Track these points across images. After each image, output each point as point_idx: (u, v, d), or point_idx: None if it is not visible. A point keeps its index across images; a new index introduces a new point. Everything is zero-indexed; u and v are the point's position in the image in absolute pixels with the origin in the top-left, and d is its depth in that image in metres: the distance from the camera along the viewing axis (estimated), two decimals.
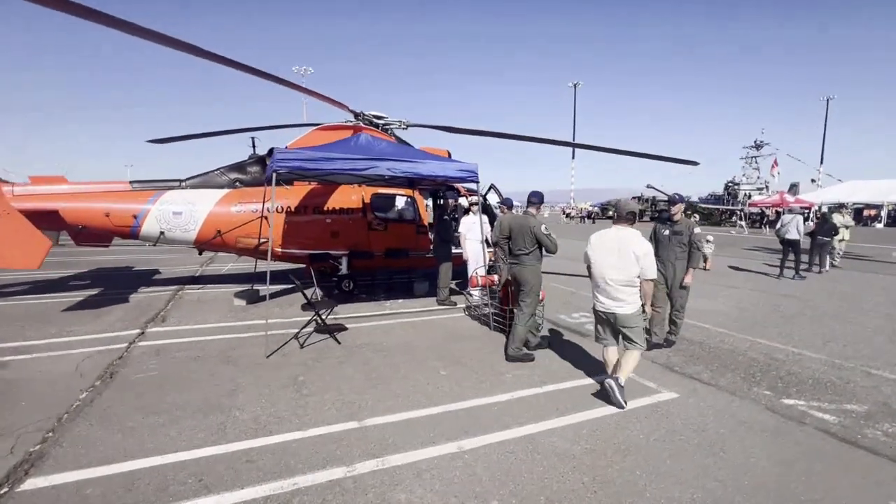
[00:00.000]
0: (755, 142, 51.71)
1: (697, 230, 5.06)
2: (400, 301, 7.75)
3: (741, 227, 34.81)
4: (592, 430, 3.41)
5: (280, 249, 8.07)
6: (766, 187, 47.14)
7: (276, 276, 9.52)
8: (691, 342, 5.66)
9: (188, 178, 7.92)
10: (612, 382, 3.80)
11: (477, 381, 4.30)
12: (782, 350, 5.39)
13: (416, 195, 8.90)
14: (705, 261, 12.40)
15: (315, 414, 3.57)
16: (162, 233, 7.44)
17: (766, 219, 37.34)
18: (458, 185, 10.20)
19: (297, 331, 5.51)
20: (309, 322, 5.45)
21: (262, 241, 7.89)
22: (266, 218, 7.82)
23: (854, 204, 35.15)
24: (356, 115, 8.72)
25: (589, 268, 4.04)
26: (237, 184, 8.03)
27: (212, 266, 11.88)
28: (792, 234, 10.60)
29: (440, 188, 10.06)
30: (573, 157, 57.64)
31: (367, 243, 8.40)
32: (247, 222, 7.61)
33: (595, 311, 4.07)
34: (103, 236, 7.77)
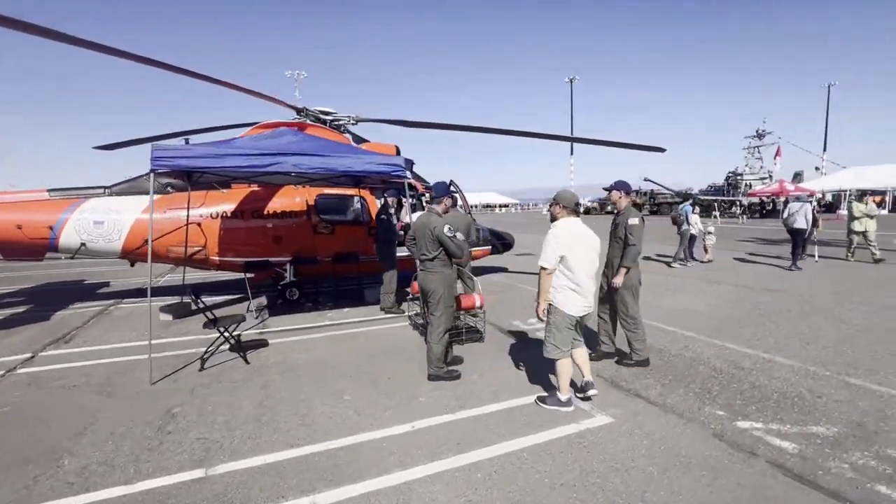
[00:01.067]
0: (757, 131, 50.62)
1: (633, 221, 4.39)
2: (345, 310, 7.14)
3: (715, 217, 33.79)
4: (490, 473, 2.78)
5: (217, 258, 7.51)
6: (770, 177, 46.04)
7: (231, 287, 8.99)
8: (649, 350, 5.00)
9: (114, 185, 7.37)
10: (593, 391, 3.74)
11: (382, 409, 3.68)
12: (751, 357, 4.72)
13: (367, 195, 8.29)
14: (706, 251, 11.73)
15: (159, 460, 2.96)
16: (83, 244, 6.89)
17: (764, 208, 36.41)
18: (419, 184, 9.63)
19: (205, 350, 4.91)
20: (215, 341, 4.84)
21: (195, 249, 7.36)
22: (200, 225, 7.31)
23: (858, 190, 34.22)
24: (298, 112, 8.13)
25: (564, 269, 3.49)
26: (168, 189, 7.45)
27: (170, 276, 11.33)
28: (800, 224, 10.06)
29: (398, 187, 9.48)
30: (571, 153, 56.88)
31: (312, 248, 7.82)
32: (176, 230, 7.03)
33: (568, 319, 3.53)
34: (27, 250, 7.22)
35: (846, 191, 33.13)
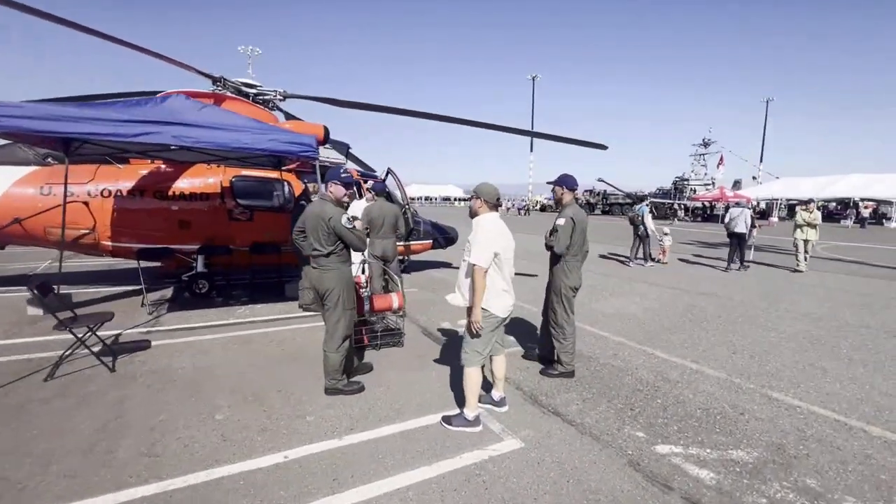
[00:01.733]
0: (703, 140, 53.24)
1: (559, 220, 4.02)
2: (259, 307, 6.40)
3: (677, 219, 35.38)
4: None
5: (109, 243, 6.53)
6: (713, 183, 48.55)
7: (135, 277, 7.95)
8: (579, 357, 4.68)
9: None
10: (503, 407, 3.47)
11: (256, 432, 3.08)
12: (679, 367, 4.50)
13: (293, 179, 7.52)
14: (662, 253, 11.87)
15: None
16: None
17: (706, 213, 38.29)
18: (354, 171, 8.95)
19: (61, 354, 4.07)
20: (74, 344, 4.02)
21: (82, 232, 6.35)
22: (88, 204, 6.32)
23: (789, 200, 36.62)
24: (215, 81, 7.21)
25: (495, 268, 3.12)
26: (49, 160, 6.37)
27: (82, 260, 10.00)
28: (740, 228, 10.63)
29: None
30: (531, 150, 57.46)
31: (226, 236, 6.98)
32: (57, 208, 6.00)
33: (495, 322, 3.17)
34: None
35: (777, 199, 35.39)
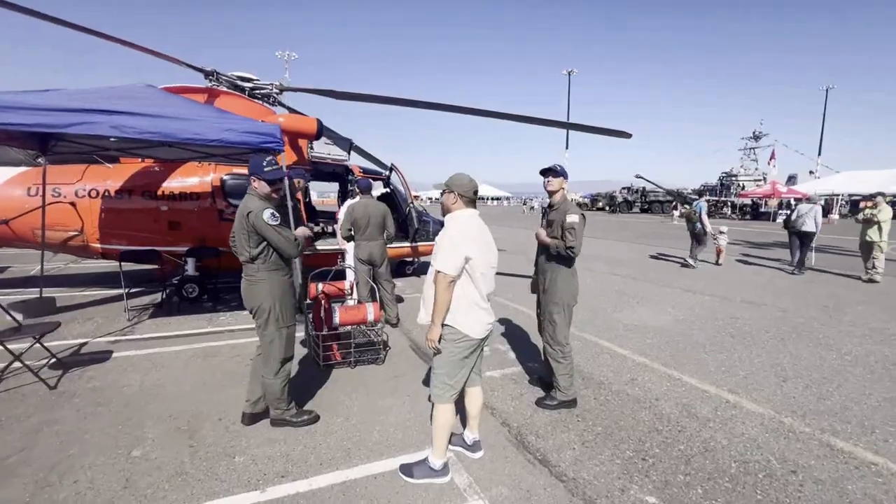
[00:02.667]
0: (754, 133, 49.73)
1: (573, 218, 3.27)
2: (245, 313, 5.95)
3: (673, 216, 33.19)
4: None
5: (98, 245, 6.31)
6: (764, 179, 45.15)
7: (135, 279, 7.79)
8: (587, 382, 3.92)
9: None
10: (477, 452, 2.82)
11: (170, 475, 2.55)
12: (712, 398, 3.65)
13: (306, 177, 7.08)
14: (718, 254, 10.79)
15: None
16: None
17: (756, 210, 35.53)
18: (356, 167, 8.48)
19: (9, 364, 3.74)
20: (12, 361, 3.66)
21: (70, 233, 6.16)
22: (74, 204, 6.11)
23: (851, 196, 33.27)
24: (207, 75, 6.88)
25: (467, 278, 2.48)
26: (39, 160, 6.21)
27: (84, 264, 10.08)
28: (809, 226, 9.39)
29: (338, 169, 8.31)
30: (567, 147, 55.63)
31: (216, 237, 6.61)
32: (43, 210, 5.81)
33: (469, 346, 2.54)
34: None
35: (838, 195, 32.29)
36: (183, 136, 3.67)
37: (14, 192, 5.93)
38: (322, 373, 3.99)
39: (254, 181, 2.87)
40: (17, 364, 3.72)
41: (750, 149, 49.67)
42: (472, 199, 2.62)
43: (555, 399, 3.46)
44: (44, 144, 5.21)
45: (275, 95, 7.56)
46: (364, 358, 4.22)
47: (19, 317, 5.49)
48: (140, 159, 6.46)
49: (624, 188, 49.00)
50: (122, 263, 6.11)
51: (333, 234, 8.67)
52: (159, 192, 6.38)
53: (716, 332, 5.42)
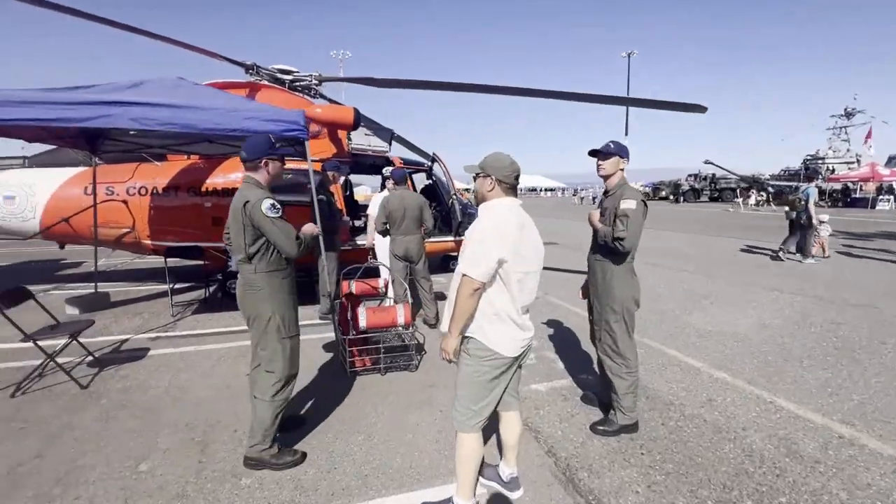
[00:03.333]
0: (845, 109, 44.11)
1: (629, 204, 2.64)
2: None
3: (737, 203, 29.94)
4: None
5: (149, 241, 6.46)
6: (858, 161, 39.90)
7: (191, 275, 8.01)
8: (653, 402, 3.30)
9: (37, 155, 6.46)
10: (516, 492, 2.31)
11: (171, 497, 2.31)
12: (819, 430, 2.90)
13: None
14: (821, 247, 9.48)
15: None
16: None
17: (849, 195, 31.41)
18: (397, 158, 8.15)
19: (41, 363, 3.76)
20: (45, 360, 3.64)
21: (123, 230, 6.34)
22: (126, 202, 6.28)
23: None
24: (248, 69, 6.81)
25: (499, 284, 1.99)
26: (96, 160, 6.45)
27: (145, 259, 10.60)
28: None
29: (378, 161, 8.04)
30: (626, 133, 52.65)
31: None
32: (100, 208, 6.02)
33: (499, 365, 2.05)
34: None
35: None
36: (203, 127, 3.47)
37: (72, 192, 6.18)
38: (348, 381, 3.67)
39: (257, 166, 2.54)
40: (64, 358, 3.75)
41: (840, 128, 44.14)
42: (513, 186, 2.11)
43: (614, 423, 2.89)
44: (92, 144, 5.33)
45: (314, 87, 7.39)
46: (395, 364, 3.86)
47: (75, 311, 5.73)
48: (186, 156, 6.54)
49: (690, 175, 45.42)
50: (169, 259, 6.21)
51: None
52: (203, 189, 6.41)
53: (814, 343, 4.51)
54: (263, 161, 2.52)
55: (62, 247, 7.29)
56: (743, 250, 10.79)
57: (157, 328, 5.12)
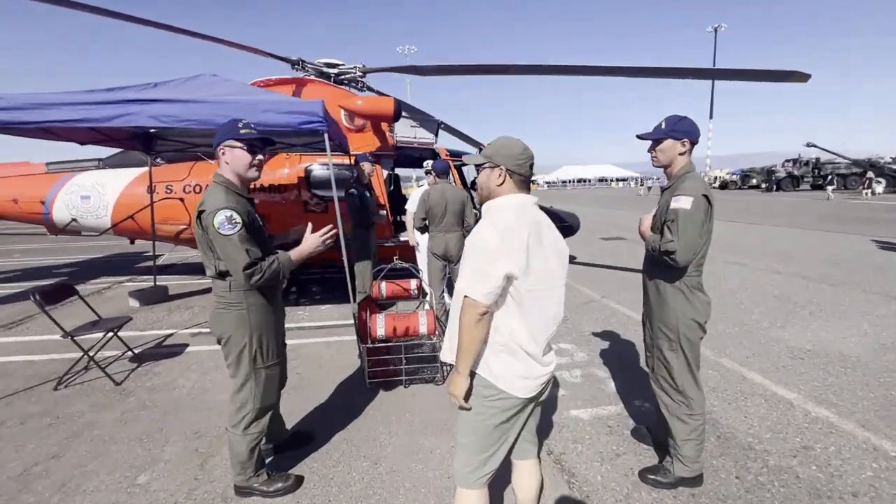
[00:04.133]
0: None
1: (681, 203, 2.02)
2: (324, 308, 5.79)
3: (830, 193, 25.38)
4: None
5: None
6: None
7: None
8: (725, 444, 2.64)
9: (109, 157, 6.93)
10: None
11: None
12: None
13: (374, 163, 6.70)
14: None
15: None
16: (74, 219, 6.57)
17: None
18: (444, 150, 7.78)
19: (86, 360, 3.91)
20: (81, 357, 3.75)
21: (182, 227, 6.63)
22: (182, 200, 6.55)
23: None
24: (293, 65, 6.78)
25: (510, 306, 1.56)
26: (159, 160, 6.79)
27: None
28: None
29: (424, 153, 7.75)
30: (711, 116, 47.94)
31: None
32: (156, 204, 6.33)
33: (509, 407, 1.61)
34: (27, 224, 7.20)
35: None
36: (220, 122, 3.32)
37: (136, 190, 6.55)
38: (367, 393, 3.39)
39: (224, 155, 2.07)
40: (109, 353, 3.90)
41: None
42: (527, 178, 1.65)
43: (670, 474, 2.30)
44: (146, 144, 5.55)
45: (359, 78, 7.22)
46: (419, 376, 3.51)
47: (136, 304, 6.07)
48: None
49: (788, 160, 40.21)
50: None
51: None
52: (251, 185, 6.52)
53: None
54: (220, 149, 2.08)
55: (132, 242, 7.85)
56: (858, 248, 9.08)
57: (201, 323, 5.23)
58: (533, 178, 1.74)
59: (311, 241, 2.26)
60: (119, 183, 6.57)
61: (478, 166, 1.69)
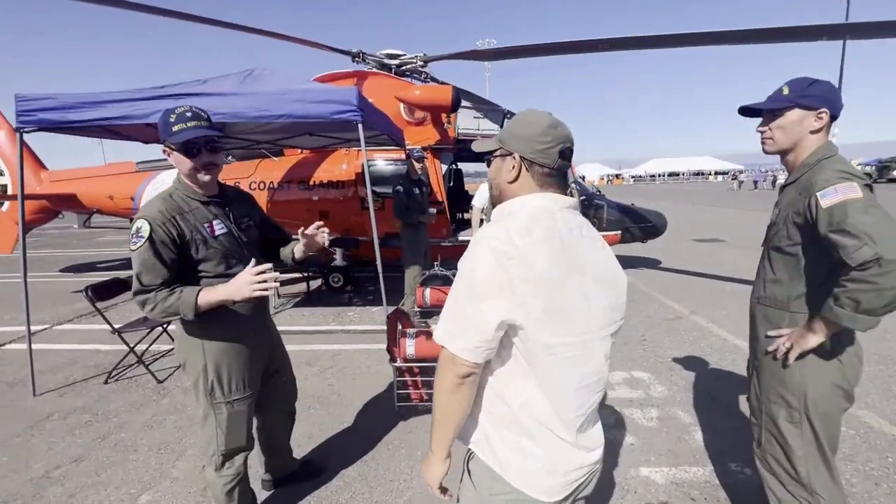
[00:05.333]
0: None
1: (843, 193, 1.24)
2: (374, 310, 5.54)
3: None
4: None
5: None
6: None
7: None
8: None
9: None
10: None
11: None
12: None
13: (430, 157, 6.33)
14: None
15: None
16: None
17: None
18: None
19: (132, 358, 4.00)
20: (127, 354, 3.79)
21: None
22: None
23: None
24: (354, 58, 6.60)
25: (520, 362, 1.02)
26: (229, 158, 7.03)
27: None
28: None
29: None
30: (839, 87, 40.80)
31: (359, 226, 6.43)
32: None
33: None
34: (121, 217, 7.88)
35: None
36: (251, 115, 3.15)
37: None
38: (394, 418, 2.99)
39: (168, 154, 1.69)
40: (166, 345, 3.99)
41: None
42: (557, 170, 1.07)
43: None
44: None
45: (420, 69, 6.87)
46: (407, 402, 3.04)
47: None
48: (300, 150, 6.70)
49: None
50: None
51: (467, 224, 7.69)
52: (312, 182, 6.50)
53: None
54: (163, 150, 1.70)
55: None
56: None
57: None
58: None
59: (236, 284, 1.60)
60: None
61: (487, 155, 1.16)
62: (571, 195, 1.13)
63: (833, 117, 1.44)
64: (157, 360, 4.05)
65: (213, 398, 1.78)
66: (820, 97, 1.40)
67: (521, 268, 0.94)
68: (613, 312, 1.07)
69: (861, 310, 1.24)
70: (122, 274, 8.14)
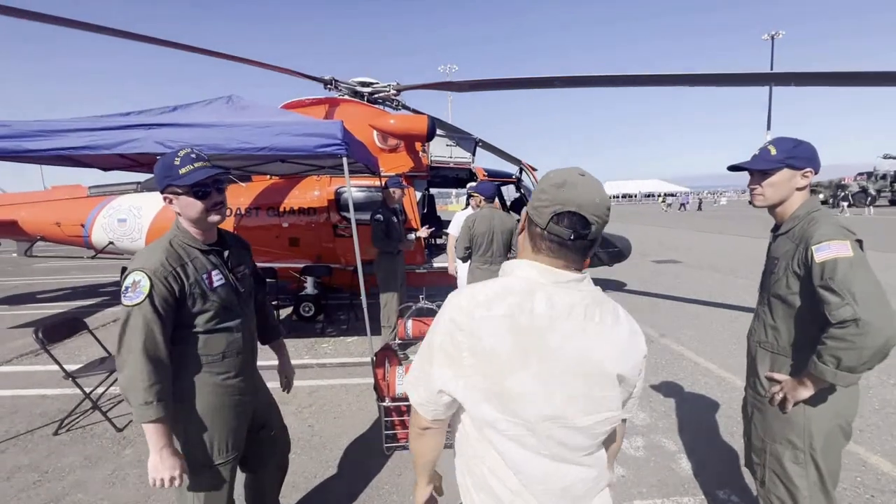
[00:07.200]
0: None
1: (836, 250, 1.35)
2: (349, 340, 5.38)
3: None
4: None
5: None
6: None
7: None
8: None
9: (148, 180, 6.96)
10: None
11: None
12: None
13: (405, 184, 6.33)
14: None
15: None
16: (111, 242, 6.59)
17: None
18: (480, 170, 7.35)
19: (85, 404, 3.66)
20: (83, 400, 3.49)
21: None
22: None
23: None
24: (326, 85, 6.57)
25: (481, 438, 0.97)
26: None
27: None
28: None
29: (461, 173, 7.35)
30: (768, 128, 44.83)
31: (331, 254, 6.28)
32: None
33: None
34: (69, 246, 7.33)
35: None
36: (230, 147, 3.03)
37: (170, 214, 6.49)
38: (382, 460, 2.88)
39: (168, 204, 1.61)
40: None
41: None
42: (552, 238, 0.94)
43: None
44: None
45: (393, 97, 6.93)
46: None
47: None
48: (267, 176, 6.52)
49: (861, 174, 36.76)
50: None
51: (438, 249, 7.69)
52: (281, 208, 6.31)
53: None
54: (164, 197, 1.61)
55: None
56: None
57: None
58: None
59: (165, 462, 1.52)
60: (154, 206, 6.55)
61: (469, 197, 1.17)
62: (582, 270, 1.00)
63: (812, 172, 1.57)
64: (115, 405, 3.72)
65: (191, 461, 1.61)
66: (806, 158, 1.53)
67: (470, 340, 0.91)
68: (595, 404, 0.94)
69: (843, 367, 1.34)
70: (71, 305, 7.55)
